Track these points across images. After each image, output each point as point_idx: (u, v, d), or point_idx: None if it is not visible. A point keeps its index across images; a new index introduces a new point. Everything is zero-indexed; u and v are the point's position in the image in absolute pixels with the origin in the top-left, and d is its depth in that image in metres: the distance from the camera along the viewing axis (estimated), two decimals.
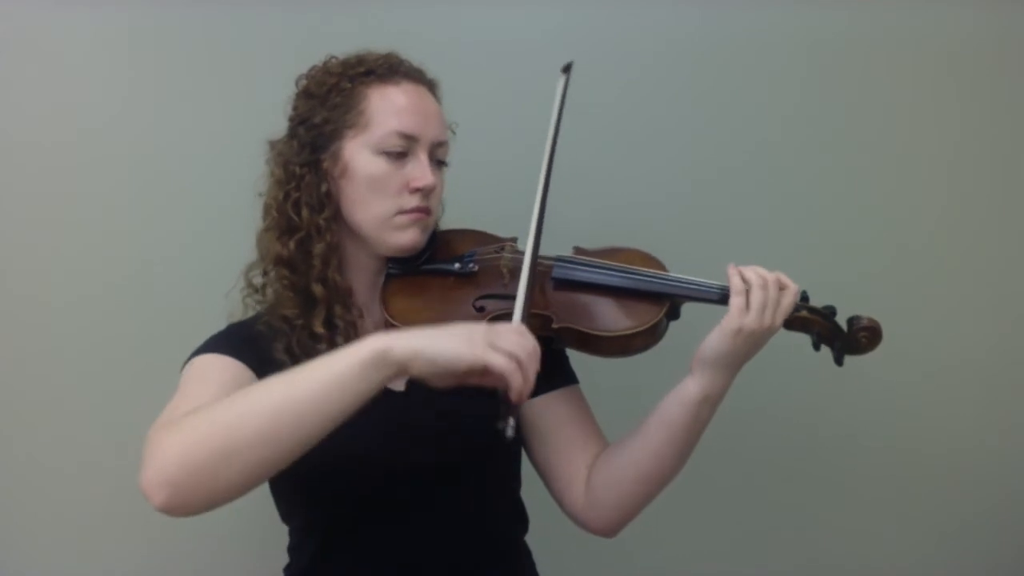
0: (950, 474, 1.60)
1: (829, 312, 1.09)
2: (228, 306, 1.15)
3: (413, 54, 1.16)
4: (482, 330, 0.88)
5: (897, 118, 1.57)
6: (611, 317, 1.09)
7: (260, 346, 1.08)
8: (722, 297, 1.06)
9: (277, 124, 1.15)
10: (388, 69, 1.12)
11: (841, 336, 1.09)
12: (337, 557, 1.10)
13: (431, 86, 1.16)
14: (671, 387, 1.07)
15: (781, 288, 1.04)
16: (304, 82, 1.15)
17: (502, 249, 1.16)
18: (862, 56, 1.57)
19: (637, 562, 1.57)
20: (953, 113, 1.58)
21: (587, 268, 1.11)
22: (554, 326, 1.08)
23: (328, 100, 1.10)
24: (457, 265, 1.14)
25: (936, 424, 1.60)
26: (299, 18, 1.50)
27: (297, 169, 1.11)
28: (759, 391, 1.38)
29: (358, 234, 1.12)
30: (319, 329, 1.08)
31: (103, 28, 1.51)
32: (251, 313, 1.15)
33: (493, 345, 0.87)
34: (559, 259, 1.12)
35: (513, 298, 1.00)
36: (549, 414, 1.16)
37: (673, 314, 1.12)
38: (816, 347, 1.10)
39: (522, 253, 1.05)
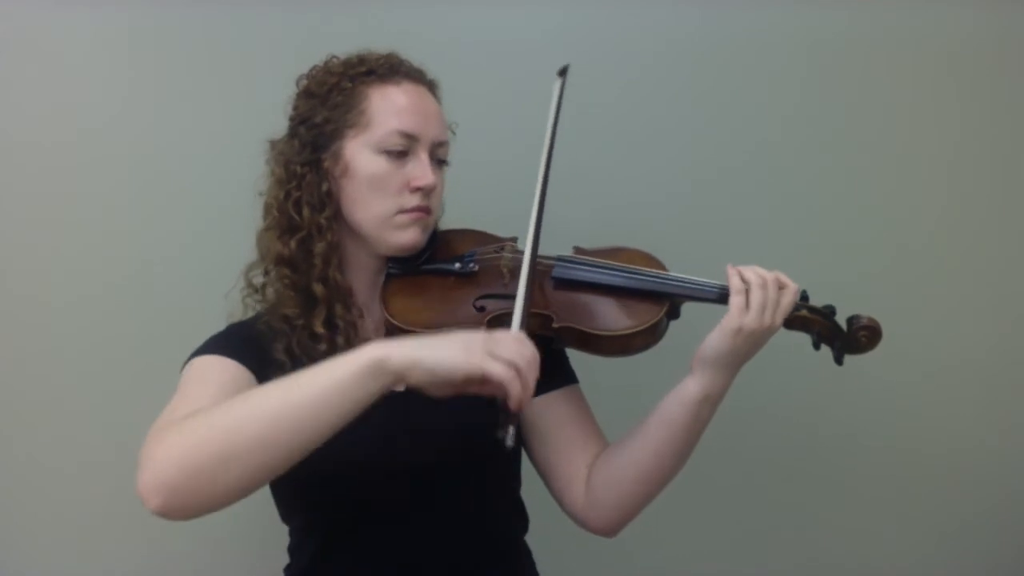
0: (950, 474, 1.60)
1: (829, 311, 1.09)
2: (228, 306, 1.15)
3: (413, 54, 1.16)
4: (480, 338, 0.87)
5: (897, 118, 1.57)
6: (611, 317, 1.09)
7: (260, 346, 1.08)
8: (722, 297, 1.06)
9: (277, 124, 1.15)
10: (389, 69, 1.12)
11: (841, 335, 1.09)
12: (337, 557, 1.10)
13: (431, 86, 1.16)
14: (671, 387, 1.07)
15: (780, 287, 1.04)
16: (305, 82, 1.15)
17: (502, 249, 1.16)
18: (862, 56, 1.57)
19: (637, 562, 1.57)
20: (953, 113, 1.58)
21: (587, 268, 1.11)
22: (554, 325, 1.08)
23: (329, 99, 1.10)
24: (457, 265, 1.14)
25: (936, 424, 1.60)
26: (299, 18, 1.50)
27: (298, 168, 1.11)
28: (759, 391, 1.38)
29: (359, 233, 1.12)
30: (319, 329, 1.08)
31: (103, 28, 1.51)
32: (251, 313, 1.15)
33: (492, 353, 0.86)
34: (559, 259, 1.12)
35: (513, 298, 1.00)
36: (549, 414, 1.16)
37: (673, 314, 1.12)
38: (816, 346, 1.11)
39: (522, 253, 1.05)
